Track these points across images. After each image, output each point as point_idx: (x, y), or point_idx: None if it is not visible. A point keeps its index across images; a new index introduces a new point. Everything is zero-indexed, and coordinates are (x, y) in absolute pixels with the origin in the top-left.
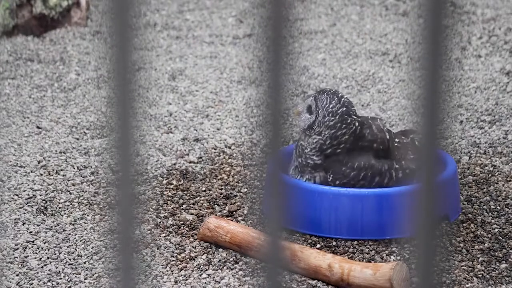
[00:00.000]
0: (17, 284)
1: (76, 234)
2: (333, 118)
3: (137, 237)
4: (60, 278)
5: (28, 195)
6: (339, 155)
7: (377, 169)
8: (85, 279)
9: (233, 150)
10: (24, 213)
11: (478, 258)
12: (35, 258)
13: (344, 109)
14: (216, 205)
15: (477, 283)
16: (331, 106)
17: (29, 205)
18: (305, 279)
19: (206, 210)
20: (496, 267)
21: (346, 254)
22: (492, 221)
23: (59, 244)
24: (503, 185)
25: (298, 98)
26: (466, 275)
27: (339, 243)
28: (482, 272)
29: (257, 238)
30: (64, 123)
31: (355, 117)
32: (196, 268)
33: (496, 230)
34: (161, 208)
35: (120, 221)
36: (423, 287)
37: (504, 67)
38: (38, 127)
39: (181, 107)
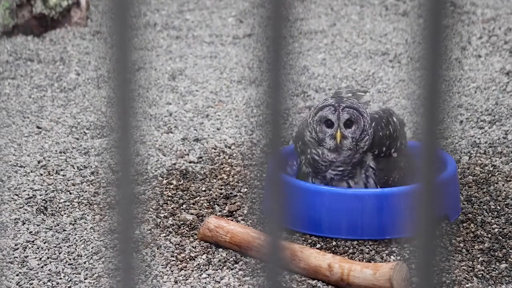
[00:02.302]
0: (17, 284)
1: (76, 234)
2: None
3: (137, 237)
4: (60, 278)
5: (28, 195)
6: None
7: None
8: (85, 279)
9: (233, 150)
10: (24, 213)
11: (478, 258)
12: (35, 258)
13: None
14: (216, 205)
15: (477, 283)
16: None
17: (29, 205)
18: (305, 279)
19: (206, 210)
20: (496, 267)
21: (346, 254)
22: (492, 221)
23: (59, 244)
24: (503, 185)
25: (298, 98)
26: (466, 275)
27: (339, 243)
28: (482, 272)
29: (257, 238)
30: (64, 123)
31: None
32: (196, 268)
33: (496, 230)
34: (161, 208)
35: (120, 221)
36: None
37: (504, 67)
38: (38, 127)
39: (181, 107)
